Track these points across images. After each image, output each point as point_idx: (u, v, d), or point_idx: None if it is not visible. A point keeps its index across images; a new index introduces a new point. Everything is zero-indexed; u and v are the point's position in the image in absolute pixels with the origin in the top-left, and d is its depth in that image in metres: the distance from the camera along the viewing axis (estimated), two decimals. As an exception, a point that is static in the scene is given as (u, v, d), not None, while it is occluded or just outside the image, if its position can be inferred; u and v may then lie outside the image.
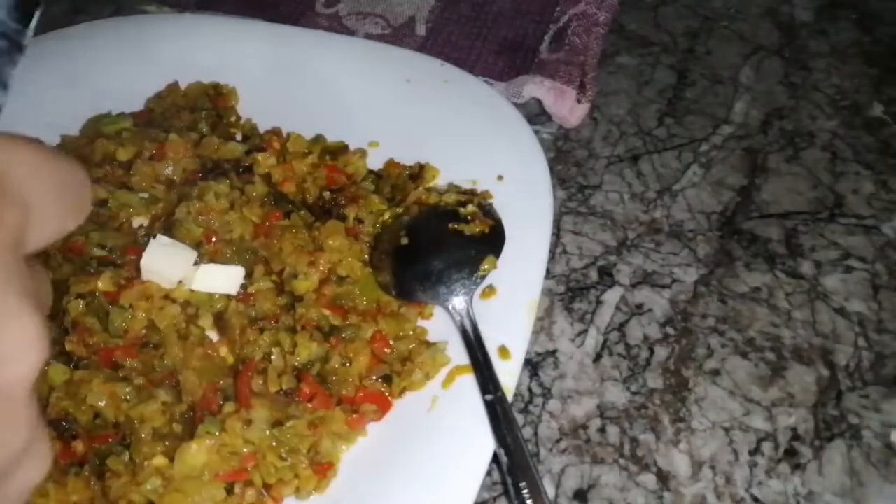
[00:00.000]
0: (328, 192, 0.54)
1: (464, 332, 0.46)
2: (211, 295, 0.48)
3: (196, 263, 0.48)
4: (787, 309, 0.53)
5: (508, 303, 0.48)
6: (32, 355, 0.19)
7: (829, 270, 0.55)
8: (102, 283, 0.47)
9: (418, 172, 0.55)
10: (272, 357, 0.45)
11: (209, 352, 0.46)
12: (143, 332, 0.47)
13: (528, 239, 0.50)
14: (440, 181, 0.55)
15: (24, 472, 0.20)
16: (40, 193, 0.20)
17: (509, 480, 0.41)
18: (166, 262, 0.47)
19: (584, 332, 0.52)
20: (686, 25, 0.73)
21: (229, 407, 0.43)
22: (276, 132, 0.58)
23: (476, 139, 0.57)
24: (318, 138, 0.58)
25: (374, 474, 0.43)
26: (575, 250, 0.57)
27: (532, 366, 0.51)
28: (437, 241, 0.51)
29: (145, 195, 0.53)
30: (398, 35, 0.71)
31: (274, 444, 0.42)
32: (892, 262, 0.55)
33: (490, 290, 0.49)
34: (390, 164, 0.56)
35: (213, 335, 0.48)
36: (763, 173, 0.61)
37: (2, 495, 0.20)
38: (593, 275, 0.55)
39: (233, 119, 0.60)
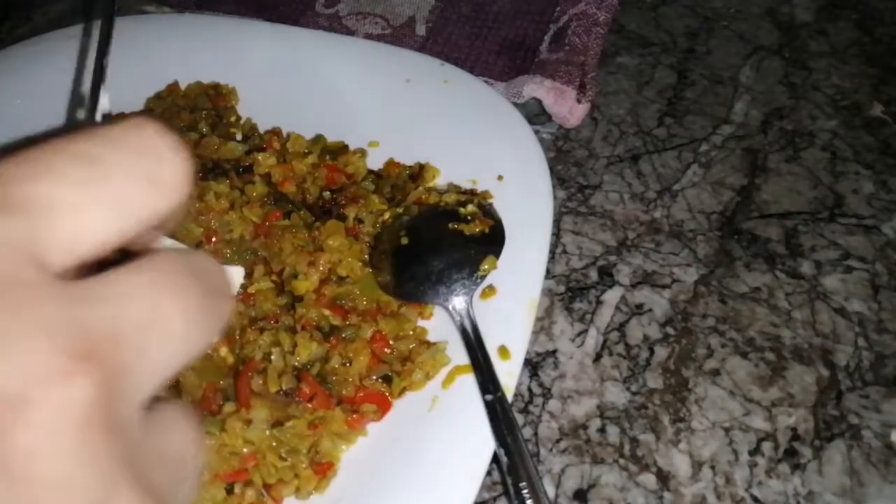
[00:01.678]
0: (328, 192, 0.54)
1: (464, 332, 0.46)
2: (211, 295, 0.48)
3: (196, 263, 0.48)
4: (787, 309, 0.53)
5: (508, 303, 0.48)
6: None
7: (829, 270, 0.55)
8: (103, 283, 0.47)
9: (418, 172, 0.55)
10: (272, 357, 0.45)
11: (209, 352, 0.46)
12: (143, 332, 0.46)
13: (528, 239, 0.50)
14: (440, 181, 0.55)
15: None
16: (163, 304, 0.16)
17: (509, 480, 0.41)
18: None
19: (584, 332, 0.52)
20: (686, 25, 0.73)
21: (229, 407, 0.43)
22: (276, 132, 0.58)
23: (476, 139, 0.57)
24: (318, 138, 0.58)
25: (374, 474, 0.43)
26: (575, 250, 0.57)
27: (532, 366, 0.51)
28: (437, 241, 0.51)
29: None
30: (398, 35, 0.71)
31: (274, 444, 0.42)
32: (892, 262, 0.55)
33: (490, 290, 0.49)
34: (390, 164, 0.56)
35: (213, 335, 0.48)
36: (763, 173, 0.61)
37: None
38: (593, 275, 0.55)
39: (233, 119, 0.60)
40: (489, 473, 0.45)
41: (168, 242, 0.50)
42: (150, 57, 0.63)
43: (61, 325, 0.15)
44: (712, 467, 0.46)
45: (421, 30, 0.71)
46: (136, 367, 0.16)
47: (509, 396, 0.44)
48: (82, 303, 0.16)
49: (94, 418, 0.15)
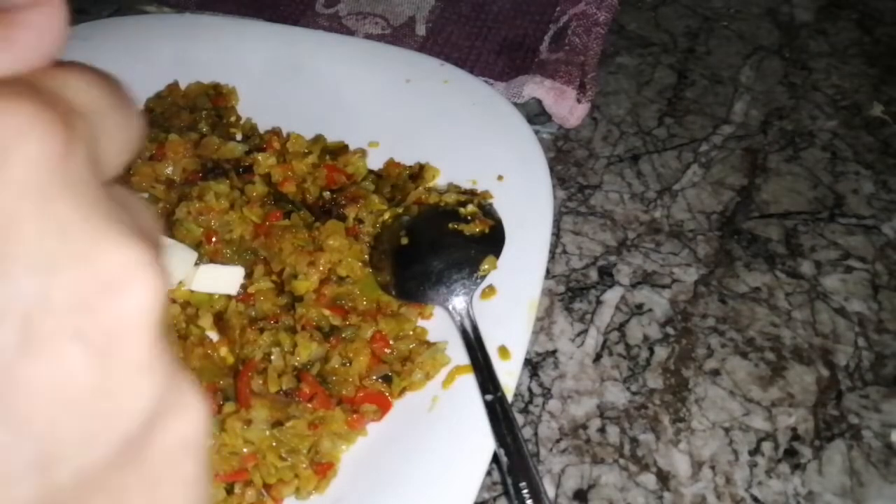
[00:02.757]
0: (328, 192, 0.54)
1: (464, 332, 0.46)
2: (211, 295, 0.48)
3: (196, 263, 0.48)
4: (787, 309, 0.53)
5: (508, 303, 0.48)
6: (147, 281, 0.16)
7: (829, 270, 0.55)
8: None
9: (418, 172, 0.55)
10: (272, 357, 0.45)
11: (209, 352, 0.46)
12: (143, 331, 0.46)
13: (528, 239, 0.50)
14: (440, 181, 0.55)
15: (176, 424, 0.17)
16: (96, 98, 0.17)
17: (509, 480, 0.41)
18: (167, 263, 0.47)
19: (584, 332, 0.52)
20: (686, 25, 0.73)
21: (229, 407, 0.43)
22: (276, 132, 0.58)
23: (476, 139, 0.57)
24: (318, 138, 0.58)
25: (374, 474, 0.43)
26: (575, 250, 0.57)
27: (532, 366, 0.51)
28: (437, 241, 0.51)
29: (145, 195, 0.53)
30: (398, 35, 0.71)
31: (274, 444, 0.42)
32: (892, 262, 0.55)
33: (490, 290, 0.49)
34: (390, 164, 0.56)
35: (213, 335, 0.48)
36: (763, 173, 0.61)
37: (155, 455, 0.17)
38: (593, 275, 0.55)
39: (233, 119, 0.60)
40: (489, 473, 0.45)
41: (167, 241, 0.50)
42: (150, 57, 0.63)
43: (27, 89, 0.16)
44: (712, 467, 0.46)
45: (421, 30, 0.71)
46: (93, 137, 0.17)
47: (509, 396, 0.44)
48: (38, 80, 0.17)
49: (74, 158, 0.16)
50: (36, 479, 0.15)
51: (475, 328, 0.46)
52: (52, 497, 0.15)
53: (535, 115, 0.64)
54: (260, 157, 0.54)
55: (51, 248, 0.15)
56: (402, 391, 0.46)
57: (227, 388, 0.45)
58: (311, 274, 0.49)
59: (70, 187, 0.15)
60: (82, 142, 0.16)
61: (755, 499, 0.45)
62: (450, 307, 0.48)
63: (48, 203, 0.15)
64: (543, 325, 0.53)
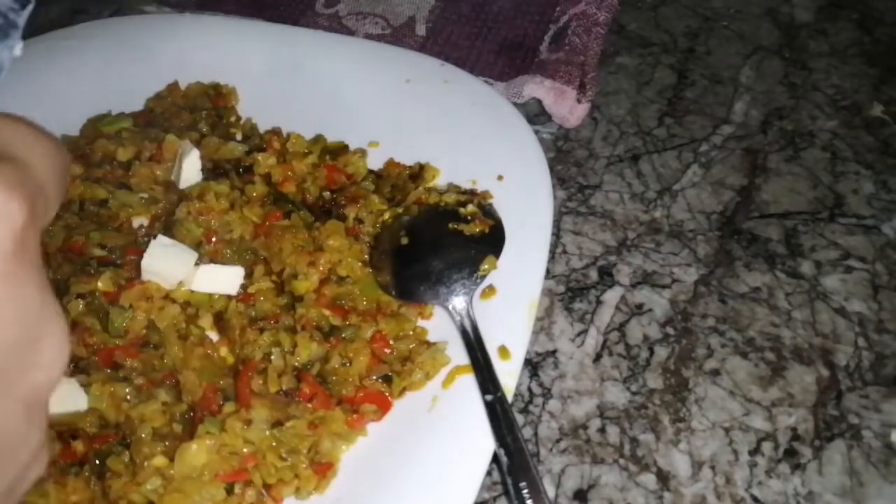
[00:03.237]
0: (328, 192, 0.54)
1: (464, 332, 0.46)
2: (211, 295, 0.48)
3: (196, 263, 0.48)
4: (787, 309, 0.53)
5: (508, 303, 0.48)
6: (61, 361, 0.20)
7: (829, 270, 0.55)
8: (102, 284, 0.47)
9: (418, 172, 0.55)
10: (272, 357, 0.45)
11: (209, 352, 0.46)
12: (144, 332, 0.47)
13: (528, 239, 0.50)
14: (440, 181, 0.55)
15: (30, 473, 0.21)
16: (49, 174, 0.20)
17: (509, 480, 0.41)
18: (167, 263, 0.47)
19: (584, 332, 0.52)
20: (686, 25, 0.73)
21: (229, 407, 0.43)
22: (276, 132, 0.58)
23: (476, 139, 0.57)
24: (318, 138, 0.58)
25: (374, 474, 0.43)
26: (575, 250, 0.57)
27: (532, 366, 0.51)
28: (437, 241, 0.51)
29: (145, 195, 0.53)
30: (398, 35, 0.71)
31: (274, 444, 0.42)
32: (892, 262, 0.55)
33: (490, 290, 0.49)
34: (390, 164, 0.56)
35: (213, 335, 0.48)
36: (763, 173, 0.61)
37: (15, 491, 0.20)
38: (593, 275, 0.55)
39: (233, 119, 0.60)
40: (489, 473, 0.45)
41: (167, 242, 0.50)
42: (150, 57, 0.63)
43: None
44: (712, 467, 0.46)
45: (421, 30, 0.71)
46: (43, 207, 0.19)
47: (509, 396, 0.44)
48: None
49: (28, 242, 0.18)
50: None
51: (475, 328, 0.46)
52: None
53: (535, 115, 0.64)
54: (260, 157, 0.54)
55: (15, 335, 0.18)
56: (402, 391, 0.46)
57: (227, 388, 0.45)
58: (311, 274, 0.49)
59: (31, 266, 0.18)
60: (41, 218, 0.19)
61: (755, 499, 0.45)
62: (450, 307, 0.48)
63: (20, 291, 0.18)
64: (543, 325, 0.53)
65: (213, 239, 0.50)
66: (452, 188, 0.54)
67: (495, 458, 0.42)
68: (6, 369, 0.18)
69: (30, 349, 0.18)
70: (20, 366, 0.18)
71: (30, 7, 0.22)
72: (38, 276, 0.18)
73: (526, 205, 0.52)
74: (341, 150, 0.57)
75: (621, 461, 0.46)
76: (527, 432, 0.48)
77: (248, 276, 0.49)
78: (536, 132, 0.57)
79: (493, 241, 0.50)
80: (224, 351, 0.47)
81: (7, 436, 0.19)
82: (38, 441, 0.20)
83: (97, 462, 0.42)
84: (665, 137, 0.64)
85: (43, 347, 0.19)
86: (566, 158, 0.62)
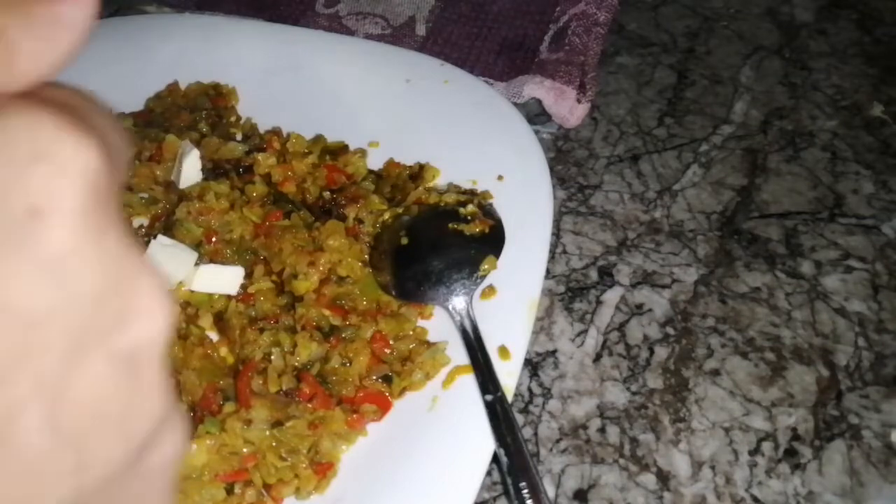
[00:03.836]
0: (328, 192, 0.54)
1: (464, 332, 0.46)
2: (211, 295, 0.48)
3: (196, 263, 0.48)
4: (787, 309, 0.53)
5: (508, 303, 0.48)
6: (162, 308, 0.18)
7: (829, 270, 0.55)
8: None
9: (418, 172, 0.55)
10: (272, 357, 0.45)
11: (209, 352, 0.46)
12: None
13: (528, 239, 0.50)
14: (440, 181, 0.55)
15: (164, 445, 0.19)
16: (119, 143, 0.18)
17: (509, 480, 0.41)
18: (167, 263, 0.47)
19: (584, 332, 0.52)
20: (686, 25, 0.73)
21: (229, 407, 0.43)
22: (276, 132, 0.58)
23: (476, 139, 0.57)
24: (318, 138, 0.58)
25: (374, 474, 0.43)
26: (575, 250, 0.57)
27: (532, 366, 0.51)
28: (437, 241, 0.51)
29: (145, 195, 0.53)
30: (398, 35, 0.71)
31: (274, 444, 0.42)
32: (892, 262, 0.55)
33: (490, 290, 0.49)
34: (390, 164, 0.56)
35: (213, 335, 0.48)
36: (763, 173, 0.61)
37: (146, 470, 0.19)
38: (593, 275, 0.55)
39: (233, 119, 0.60)
40: (489, 473, 0.45)
41: (167, 242, 0.50)
42: (150, 57, 0.63)
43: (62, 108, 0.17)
44: (712, 467, 0.46)
45: (421, 30, 0.71)
46: (115, 169, 0.18)
47: (509, 396, 0.44)
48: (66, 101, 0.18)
49: (104, 189, 0.17)
50: (71, 483, 0.17)
51: (475, 328, 0.46)
52: (77, 500, 0.17)
53: (535, 115, 0.64)
54: (260, 157, 0.54)
55: (100, 284, 0.17)
56: (402, 391, 0.46)
57: (227, 388, 0.45)
58: (311, 274, 0.48)
59: (112, 216, 0.17)
60: (119, 172, 0.17)
61: (755, 499, 0.45)
62: (450, 307, 0.48)
63: (101, 239, 0.16)
64: (543, 325, 0.53)
65: (213, 239, 0.50)
66: (452, 188, 0.54)
67: (495, 458, 0.42)
68: (93, 322, 0.16)
69: (119, 300, 0.17)
70: (111, 317, 0.17)
71: None
72: (118, 224, 0.17)
73: (526, 205, 0.52)
74: (341, 150, 0.57)
75: (621, 461, 0.46)
76: (527, 432, 0.48)
77: (248, 276, 0.49)
78: (536, 132, 0.58)
79: (493, 241, 0.50)
80: (224, 351, 0.47)
81: (106, 398, 0.17)
82: (159, 407, 0.18)
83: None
84: (665, 137, 0.64)
85: (135, 297, 0.17)
86: (566, 158, 0.62)
